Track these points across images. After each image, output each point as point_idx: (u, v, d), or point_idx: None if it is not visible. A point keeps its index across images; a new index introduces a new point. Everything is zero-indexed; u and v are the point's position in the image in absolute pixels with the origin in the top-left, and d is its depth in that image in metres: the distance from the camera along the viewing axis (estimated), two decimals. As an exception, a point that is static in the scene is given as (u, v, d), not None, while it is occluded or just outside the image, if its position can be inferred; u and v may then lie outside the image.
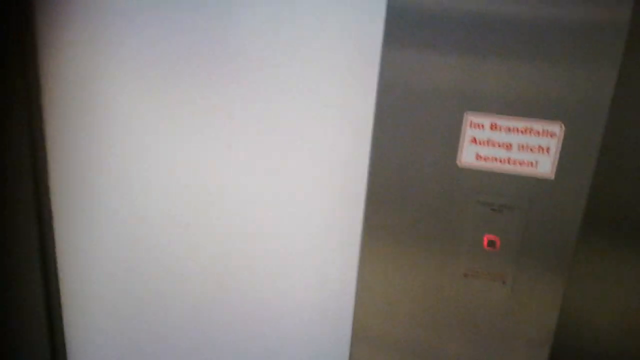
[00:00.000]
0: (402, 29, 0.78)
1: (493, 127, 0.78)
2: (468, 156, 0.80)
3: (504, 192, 0.81)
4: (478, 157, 0.80)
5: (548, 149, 0.76)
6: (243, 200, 1.14)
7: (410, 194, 0.85)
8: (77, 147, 1.20)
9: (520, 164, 0.78)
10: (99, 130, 1.18)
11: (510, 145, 0.78)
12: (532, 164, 0.78)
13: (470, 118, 0.78)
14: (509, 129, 0.77)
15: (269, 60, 1.03)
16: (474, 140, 0.79)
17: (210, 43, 1.05)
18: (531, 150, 0.77)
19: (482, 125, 0.78)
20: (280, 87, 1.04)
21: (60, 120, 1.20)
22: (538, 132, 0.76)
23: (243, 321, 1.23)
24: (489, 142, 0.79)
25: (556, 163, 0.77)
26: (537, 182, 0.79)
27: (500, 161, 0.79)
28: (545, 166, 0.77)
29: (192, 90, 1.09)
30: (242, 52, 1.04)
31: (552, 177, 0.78)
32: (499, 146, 0.78)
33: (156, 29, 1.07)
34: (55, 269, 1.34)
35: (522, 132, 0.77)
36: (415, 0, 0.76)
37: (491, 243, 0.83)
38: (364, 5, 0.95)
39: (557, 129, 0.75)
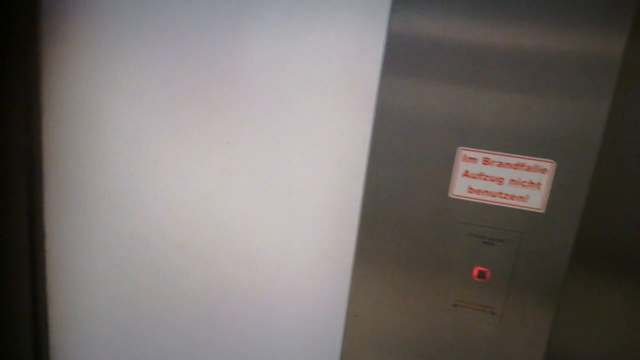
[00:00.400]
0: (400, 60, 0.79)
1: (486, 161, 0.78)
2: (460, 189, 0.81)
3: (495, 224, 0.81)
4: (470, 190, 0.80)
5: (539, 184, 0.77)
6: (237, 224, 1.14)
7: (403, 223, 0.85)
8: (73, 152, 1.20)
9: (511, 197, 0.79)
10: (95, 136, 1.17)
11: (502, 179, 0.79)
12: (523, 198, 0.79)
13: (464, 152, 0.79)
14: (501, 164, 0.78)
15: (270, 88, 1.03)
16: (467, 174, 0.80)
17: (213, 68, 1.05)
18: (522, 185, 0.78)
19: (475, 160, 0.79)
20: (277, 116, 1.05)
21: (56, 123, 1.19)
22: (529, 168, 0.77)
23: (233, 343, 1.22)
24: (481, 176, 0.79)
25: (547, 198, 0.78)
26: (527, 216, 0.80)
27: (492, 195, 0.80)
28: (536, 201, 0.78)
29: (189, 105, 1.09)
30: (243, 77, 1.04)
31: (543, 211, 0.79)
32: (491, 180, 0.79)
33: (157, 45, 1.08)
34: (44, 272, 1.33)
35: (513, 167, 0.78)
36: (414, 30, 0.77)
37: (481, 274, 0.84)
38: (364, 33, 0.96)
39: (549, 165, 0.76)
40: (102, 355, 1.35)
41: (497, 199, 0.80)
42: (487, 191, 0.80)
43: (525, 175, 0.78)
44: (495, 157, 0.78)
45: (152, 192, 1.16)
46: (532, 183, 0.78)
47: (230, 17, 1.02)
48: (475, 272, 0.84)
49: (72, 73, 1.14)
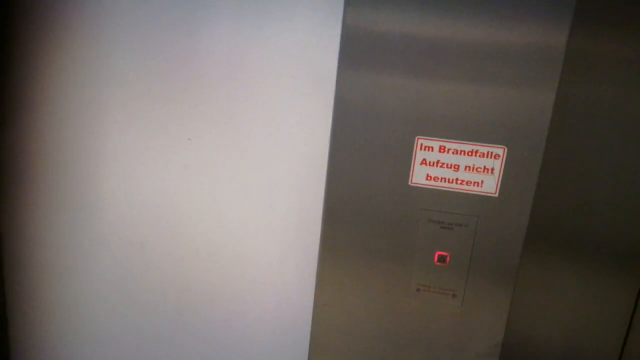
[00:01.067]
0: (356, 54, 0.81)
1: (442, 149, 0.82)
2: (419, 176, 0.84)
3: (453, 210, 0.85)
4: (428, 177, 0.84)
5: (492, 170, 0.81)
6: (200, 221, 1.14)
7: (365, 212, 0.88)
8: (26, 150, 1.19)
9: (467, 183, 0.83)
10: (50, 134, 1.16)
11: (458, 166, 0.82)
12: (478, 183, 0.82)
13: (421, 141, 0.82)
14: (457, 152, 0.81)
15: (232, 84, 1.05)
16: (424, 162, 0.83)
17: (176, 63, 1.06)
18: (477, 170, 0.82)
19: (432, 148, 0.82)
20: (237, 110, 1.06)
21: (10, 121, 1.18)
22: (483, 154, 0.81)
23: (200, 340, 1.23)
24: (438, 163, 0.83)
25: (500, 182, 0.82)
26: (483, 200, 0.83)
27: (449, 181, 0.83)
28: (490, 185, 0.82)
29: (149, 101, 1.09)
30: (203, 72, 1.05)
31: (497, 195, 0.83)
32: (447, 167, 0.82)
33: (114, 38, 1.08)
34: (2, 275, 1.31)
35: (468, 154, 0.81)
36: (368, 25, 0.80)
37: (441, 258, 0.87)
38: (322, 26, 0.98)
39: (501, 151, 0.80)
40: (77, 351, 1.33)
41: (454, 185, 0.83)
42: (444, 178, 0.83)
43: (479, 162, 0.81)
44: (450, 145, 0.81)
45: (111, 190, 1.16)
46: (485, 169, 0.81)
47: (189, 12, 1.03)
48: (435, 257, 0.87)
49: (30, 68, 1.13)
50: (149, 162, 1.13)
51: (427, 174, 0.84)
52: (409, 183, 0.85)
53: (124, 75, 1.09)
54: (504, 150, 0.80)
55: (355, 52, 0.81)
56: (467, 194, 0.83)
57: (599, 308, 1.13)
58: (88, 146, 1.15)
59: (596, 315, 1.14)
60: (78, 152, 1.15)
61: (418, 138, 0.82)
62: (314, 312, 0.95)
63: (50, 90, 1.13)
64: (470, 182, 0.83)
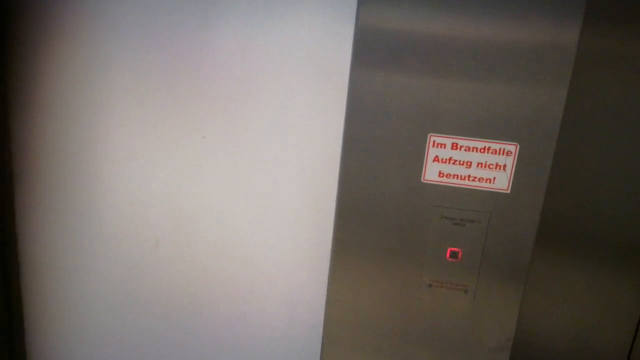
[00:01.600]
0: (369, 52, 0.82)
1: (454, 146, 0.83)
2: (431, 173, 0.85)
3: (465, 206, 0.86)
4: (441, 174, 0.85)
5: (504, 166, 0.82)
6: (213, 219, 1.15)
7: (378, 209, 0.89)
8: (41, 150, 1.20)
9: (479, 180, 0.84)
10: (63, 133, 1.18)
11: (470, 163, 0.83)
12: (490, 180, 0.83)
13: (434, 138, 0.83)
14: (469, 149, 0.82)
15: (241, 82, 1.06)
16: (437, 159, 0.84)
17: (184, 62, 1.07)
18: (489, 167, 0.83)
19: (444, 145, 0.83)
20: (251, 109, 1.07)
21: (23, 121, 1.19)
22: (495, 151, 0.82)
23: (215, 335, 1.24)
24: (450, 160, 0.84)
25: (512, 179, 0.83)
26: (495, 197, 0.84)
27: (461, 178, 0.84)
28: (502, 182, 0.83)
29: (164, 107, 1.11)
30: (215, 70, 1.07)
31: (509, 191, 0.83)
32: (460, 164, 0.83)
33: (127, 40, 1.09)
34: (18, 273, 1.32)
35: (480, 151, 0.82)
36: (381, 23, 0.81)
37: (453, 254, 0.88)
38: (334, 29, 0.99)
39: (513, 148, 0.81)
40: (81, 350, 1.35)
41: (466, 182, 0.84)
42: (456, 175, 0.84)
43: (491, 159, 0.82)
44: (462, 142, 0.82)
45: (125, 189, 1.17)
46: (498, 165, 0.82)
47: (200, 11, 1.04)
48: (448, 253, 0.88)
49: (34, 68, 1.15)
50: (163, 161, 1.14)
51: (440, 171, 0.85)
52: (422, 180, 0.86)
53: (137, 76, 1.10)
54: (516, 147, 0.81)
55: (368, 50, 0.82)
56: (479, 190, 0.84)
57: (607, 305, 1.14)
58: (102, 146, 1.16)
59: (605, 312, 1.15)
60: (91, 152, 1.17)
61: (430, 135, 0.83)
62: (326, 308, 0.96)
63: (61, 90, 1.14)
64: (483, 179, 0.84)
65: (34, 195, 1.23)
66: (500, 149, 0.81)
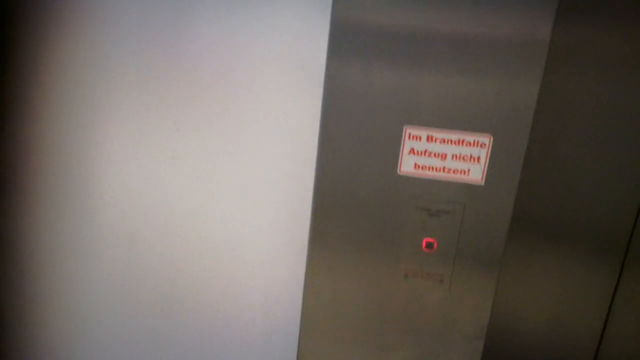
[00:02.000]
0: (344, 44, 0.83)
1: (429, 139, 0.84)
2: (407, 165, 0.86)
3: (440, 198, 0.87)
4: (416, 166, 0.86)
5: (478, 158, 0.83)
6: (190, 213, 1.15)
7: (354, 202, 0.90)
8: (15, 141, 1.18)
9: (454, 172, 0.85)
10: (37, 125, 1.16)
11: (445, 155, 0.84)
12: (464, 171, 0.85)
13: (409, 131, 0.84)
14: (444, 141, 0.83)
15: (218, 75, 1.05)
16: (412, 151, 0.85)
17: (160, 54, 1.06)
18: (463, 159, 0.84)
19: (420, 137, 0.84)
20: (228, 102, 1.07)
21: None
22: (469, 143, 0.83)
23: (191, 328, 1.24)
24: (426, 153, 0.85)
25: (486, 171, 0.84)
26: (469, 189, 0.86)
27: (436, 170, 0.85)
28: (476, 174, 0.84)
29: (135, 91, 1.10)
30: (190, 62, 1.06)
31: (482, 183, 0.85)
32: (435, 156, 0.85)
33: (100, 28, 1.08)
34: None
35: (455, 143, 0.83)
36: (356, 16, 0.82)
37: (429, 245, 0.89)
38: (312, 21, 0.99)
39: (487, 140, 0.82)
40: (55, 342, 1.34)
41: (441, 174, 0.85)
42: (431, 167, 0.85)
43: (465, 150, 0.83)
44: (437, 134, 0.83)
45: (98, 182, 1.16)
46: (472, 157, 0.83)
47: (177, 2, 1.03)
48: (423, 244, 0.89)
49: (10, 61, 1.13)
50: (137, 153, 1.13)
51: (415, 163, 0.86)
52: (398, 172, 0.87)
53: (110, 66, 1.09)
54: (490, 139, 0.82)
55: (344, 43, 0.83)
56: (454, 182, 0.86)
57: (580, 292, 1.17)
58: (75, 138, 1.15)
59: (578, 299, 1.18)
60: (65, 144, 1.15)
61: (406, 127, 0.84)
62: (303, 299, 0.97)
63: (41, 82, 1.13)
64: (457, 171, 0.85)
65: (17, 187, 1.22)
66: (474, 140, 0.83)
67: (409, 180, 0.87)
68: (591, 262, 1.16)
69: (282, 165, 1.09)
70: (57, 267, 1.26)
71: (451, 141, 0.83)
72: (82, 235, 1.21)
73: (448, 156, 0.84)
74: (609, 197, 1.12)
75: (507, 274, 1.15)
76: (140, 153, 1.13)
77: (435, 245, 0.89)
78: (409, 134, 0.84)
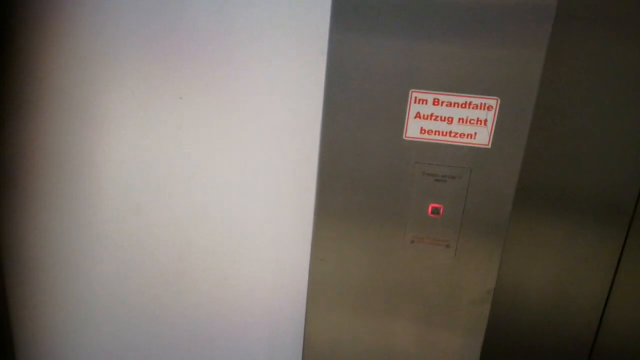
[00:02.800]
0: (348, 13, 0.82)
1: (435, 102, 0.83)
2: (413, 130, 0.85)
3: (446, 162, 0.87)
4: (422, 130, 0.85)
5: (485, 121, 0.83)
6: (194, 181, 1.15)
7: (360, 169, 0.89)
8: (19, 111, 1.18)
9: (460, 135, 0.84)
10: (41, 96, 1.16)
11: (452, 119, 0.83)
12: (471, 135, 0.84)
13: (415, 94, 0.83)
14: (450, 104, 0.83)
15: (218, 40, 1.04)
16: (419, 115, 0.84)
17: (163, 23, 1.05)
18: (470, 122, 0.83)
19: (426, 101, 0.83)
20: (229, 69, 1.06)
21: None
22: (476, 106, 0.82)
23: (198, 295, 1.25)
24: (432, 116, 0.84)
25: (492, 134, 0.84)
26: (476, 152, 0.85)
27: (443, 134, 0.85)
28: (483, 137, 0.84)
29: (137, 61, 1.09)
30: (192, 31, 1.05)
31: (489, 146, 0.84)
32: (441, 120, 0.84)
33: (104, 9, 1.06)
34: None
35: (461, 106, 0.83)
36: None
37: (435, 210, 0.89)
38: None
39: (494, 102, 0.82)
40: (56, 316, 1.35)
41: (448, 138, 0.85)
42: (438, 131, 0.85)
43: (472, 114, 0.83)
44: (444, 97, 0.83)
45: (104, 153, 1.16)
46: (479, 120, 0.83)
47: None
48: (429, 209, 0.89)
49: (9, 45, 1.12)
50: (141, 123, 1.12)
51: (422, 128, 0.85)
52: (404, 137, 0.86)
53: (113, 35, 1.08)
54: (497, 102, 0.82)
55: (348, 8, 0.82)
56: (460, 146, 0.85)
57: (586, 258, 1.17)
58: (78, 108, 1.14)
59: (583, 267, 1.18)
60: (65, 114, 1.15)
61: (412, 91, 0.83)
62: (310, 267, 0.97)
63: (35, 53, 1.12)
64: (464, 135, 0.84)
65: (11, 162, 1.21)
66: (481, 103, 0.82)
67: (414, 145, 0.86)
68: (596, 230, 1.16)
69: (288, 130, 1.09)
70: (63, 239, 1.26)
71: (457, 104, 0.83)
72: (87, 207, 1.21)
73: (454, 120, 0.84)
74: (615, 166, 1.11)
75: (513, 242, 1.16)
76: (144, 122, 1.12)
77: (441, 211, 0.89)
78: (415, 97, 0.83)
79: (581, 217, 1.15)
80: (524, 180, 1.10)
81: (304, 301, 1.09)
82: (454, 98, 0.82)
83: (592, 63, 1.04)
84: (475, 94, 0.82)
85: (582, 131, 1.09)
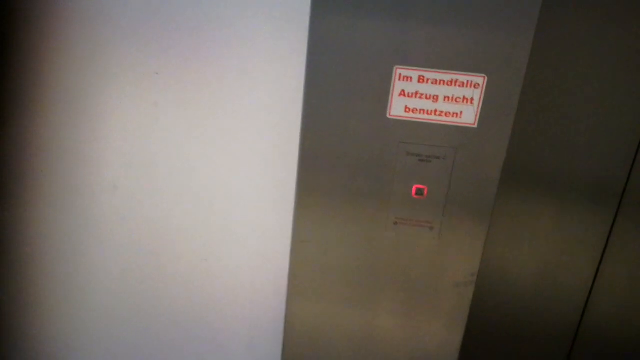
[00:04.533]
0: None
1: (421, 79, 0.80)
2: (397, 109, 0.83)
3: (431, 142, 0.84)
4: (407, 109, 0.82)
5: (472, 100, 0.80)
6: (172, 160, 1.12)
7: (342, 149, 0.87)
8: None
9: (446, 114, 0.82)
10: (15, 77, 1.12)
11: (437, 97, 0.81)
12: (457, 114, 0.81)
13: (399, 71, 0.80)
14: (436, 81, 0.80)
15: (194, 16, 1.01)
16: (403, 93, 0.81)
17: (137, 8, 1.02)
18: (456, 101, 0.81)
19: (411, 78, 0.80)
20: (206, 45, 1.03)
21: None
22: (462, 83, 0.79)
23: (179, 276, 1.23)
24: (417, 94, 0.81)
25: (479, 112, 0.81)
26: (461, 132, 0.83)
27: (428, 112, 0.82)
28: (469, 116, 0.81)
29: (109, 37, 1.05)
30: (166, 15, 1.02)
31: (476, 126, 0.82)
32: (427, 98, 0.81)
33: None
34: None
35: (447, 84, 0.80)
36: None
37: (419, 192, 0.87)
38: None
39: (480, 80, 0.79)
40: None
41: (433, 117, 0.82)
42: (423, 109, 0.82)
43: (459, 92, 0.80)
44: (429, 74, 0.80)
45: (77, 132, 1.12)
46: (465, 99, 0.80)
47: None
48: (413, 190, 0.87)
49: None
50: (116, 101, 1.09)
51: (406, 106, 0.82)
52: (387, 116, 0.84)
53: (84, 8, 1.04)
54: (484, 79, 0.79)
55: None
56: (446, 125, 0.83)
57: (572, 241, 1.16)
58: (51, 86, 1.10)
59: (570, 248, 1.17)
60: (43, 94, 1.11)
61: (397, 68, 0.80)
62: (292, 249, 0.95)
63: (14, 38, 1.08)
64: (450, 114, 0.82)
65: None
66: (467, 81, 0.79)
67: (399, 124, 0.84)
68: (584, 213, 1.15)
69: (267, 111, 1.06)
70: (38, 224, 1.23)
71: (443, 82, 0.80)
72: (62, 188, 1.18)
73: (440, 98, 0.81)
74: (604, 149, 1.10)
75: (499, 224, 1.14)
76: (119, 99, 1.08)
77: (425, 192, 0.87)
78: (400, 74, 0.80)
79: (569, 199, 1.14)
80: (511, 162, 1.08)
81: (285, 282, 1.07)
82: (439, 75, 0.80)
83: (583, 44, 1.02)
84: (462, 71, 0.79)
85: (571, 112, 1.07)
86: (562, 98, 1.06)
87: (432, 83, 0.80)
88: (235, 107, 1.06)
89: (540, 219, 1.14)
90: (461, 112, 0.81)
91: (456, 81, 0.79)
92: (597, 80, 1.05)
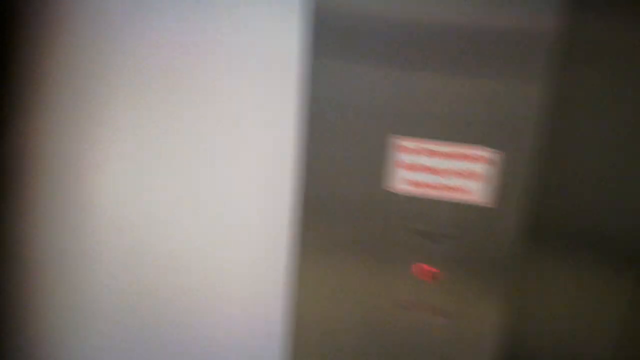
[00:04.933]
0: (326, 40, 0.73)
1: (423, 152, 0.73)
2: (398, 182, 0.75)
3: (439, 220, 0.76)
4: (409, 183, 0.75)
5: (482, 176, 0.72)
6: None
7: (342, 222, 0.79)
8: None
9: (453, 190, 0.74)
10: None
11: (442, 170, 0.73)
12: (464, 190, 0.73)
13: (399, 142, 0.73)
14: (442, 154, 0.72)
15: (187, 69, 0.99)
16: (404, 165, 0.74)
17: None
18: (463, 176, 0.73)
19: (412, 150, 0.73)
20: (200, 98, 1.01)
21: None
22: (471, 158, 0.72)
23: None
24: (419, 168, 0.74)
25: (492, 190, 0.73)
26: (470, 210, 0.74)
27: (432, 187, 0.74)
28: (478, 193, 0.73)
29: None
30: (159, 59, 1.00)
31: (487, 204, 0.74)
32: (431, 172, 0.73)
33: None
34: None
35: (456, 157, 0.72)
36: (340, 9, 0.71)
37: (429, 274, 0.78)
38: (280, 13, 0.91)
39: (491, 154, 0.71)
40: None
41: (438, 192, 0.74)
42: (427, 184, 0.74)
43: (465, 166, 0.72)
44: (434, 147, 0.72)
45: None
46: (473, 174, 0.72)
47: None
48: (421, 271, 0.78)
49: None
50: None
51: (408, 180, 0.75)
52: (391, 190, 0.76)
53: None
54: (495, 154, 0.71)
55: (325, 37, 0.73)
56: (453, 202, 0.74)
57: (596, 307, 1.06)
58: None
59: (593, 315, 1.07)
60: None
61: (396, 138, 0.73)
62: (290, 330, 0.88)
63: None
64: (457, 189, 0.73)
65: None
66: (475, 154, 0.71)
67: (401, 199, 0.76)
68: (610, 276, 1.05)
69: (258, 175, 1.02)
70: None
71: (450, 155, 0.72)
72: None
73: (446, 172, 0.73)
74: (628, 208, 1.01)
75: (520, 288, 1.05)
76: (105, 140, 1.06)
77: (434, 275, 0.78)
78: (400, 145, 0.73)
79: (594, 262, 1.04)
80: (534, 223, 0.99)
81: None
82: (446, 148, 0.72)
83: (606, 97, 0.95)
84: (470, 144, 0.71)
85: (596, 170, 0.99)
86: (585, 154, 0.98)
87: (438, 157, 0.72)
88: (223, 175, 1.04)
89: (564, 285, 1.05)
90: (470, 189, 0.73)
91: (463, 155, 0.71)
92: (623, 135, 0.97)
